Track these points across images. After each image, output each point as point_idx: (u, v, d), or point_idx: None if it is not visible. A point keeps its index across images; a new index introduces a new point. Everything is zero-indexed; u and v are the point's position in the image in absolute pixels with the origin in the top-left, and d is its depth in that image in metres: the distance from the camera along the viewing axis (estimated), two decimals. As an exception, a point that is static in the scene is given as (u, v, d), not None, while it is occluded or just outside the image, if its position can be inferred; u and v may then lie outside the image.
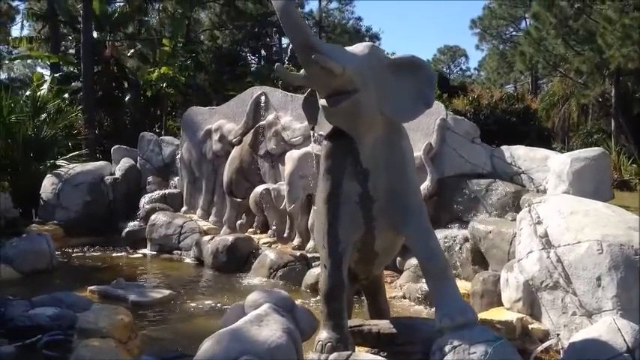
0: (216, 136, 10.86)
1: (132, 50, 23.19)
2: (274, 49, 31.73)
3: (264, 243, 9.31)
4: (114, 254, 10.50)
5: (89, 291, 7.26)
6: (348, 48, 4.50)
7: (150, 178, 12.15)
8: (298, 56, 4.17)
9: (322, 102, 4.42)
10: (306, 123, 9.24)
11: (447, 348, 4.18)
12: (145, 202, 11.58)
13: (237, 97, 11.24)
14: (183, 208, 11.55)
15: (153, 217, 10.70)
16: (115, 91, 20.98)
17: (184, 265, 9.72)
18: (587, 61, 19.32)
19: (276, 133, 9.69)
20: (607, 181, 6.64)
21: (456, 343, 4.17)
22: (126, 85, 20.99)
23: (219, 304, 7.05)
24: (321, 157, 4.94)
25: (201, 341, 5.65)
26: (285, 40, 32.56)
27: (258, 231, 10.00)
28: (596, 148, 7.02)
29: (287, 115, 9.74)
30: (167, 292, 7.33)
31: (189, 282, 8.47)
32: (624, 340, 4.31)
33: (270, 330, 3.21)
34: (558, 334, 5.18)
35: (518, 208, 7.03)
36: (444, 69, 54.72)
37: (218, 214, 10.87)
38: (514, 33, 35.06)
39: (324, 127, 4.88)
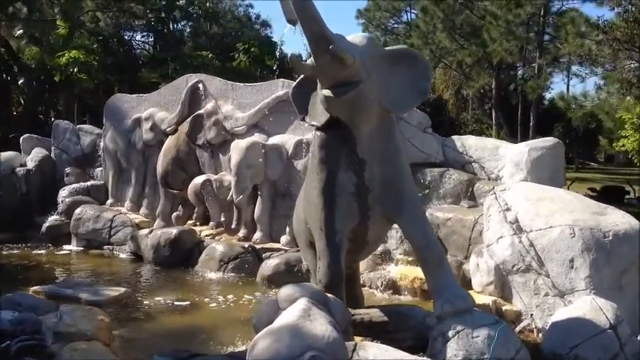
0: (147, 125, 10.29)
1: (19, 32, 21.42)
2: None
3: (206, 235, 9.01)
4: (35, 251, 9.72)
5: (32, 291, 6.68)
6: (348, 38, 4.48)
7: (68, 169, 11.34)
8: (311, 47, 4.11)
9: (326, 92, 4.37)
10: (249, 112, 9.20)
11: (450, 333, 4.31)
12: (64, 194, 10.80)
13: (169, 84, 10.71)
14: (109, 201, 10.91)
15: (78, 210, 10.01)
16: (3, 75, 19.39)
17: (118, 260, 9.22)
18: (472, 54, 20.51)
19: (216, 122, 9.33)
20: (561, 169, 7.10)
21: (459, 327, 4.31)
22: (16, 69, 19.43)
23: (169, 300, 6.79)
24: (314, 148, 4.90)
25: (177, 339, 5.50)
26: (178, 26, 31.33)
27: (198, 223, 9.66)
28: (549, 137, 7.45)
29: (227, 103, 9.43)
30: (122, 289, 6.92)
31: (133, 278, 8.05)
32: (606, 317, 4.67)
33: (321, 324, 3.15)
34: (532, 315, 5.50)
35: (472, 196, 7.36)
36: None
37: (150, 207, 10.38)
38: (395, 25, 36.13)
39: (317, 118, 4.83)
